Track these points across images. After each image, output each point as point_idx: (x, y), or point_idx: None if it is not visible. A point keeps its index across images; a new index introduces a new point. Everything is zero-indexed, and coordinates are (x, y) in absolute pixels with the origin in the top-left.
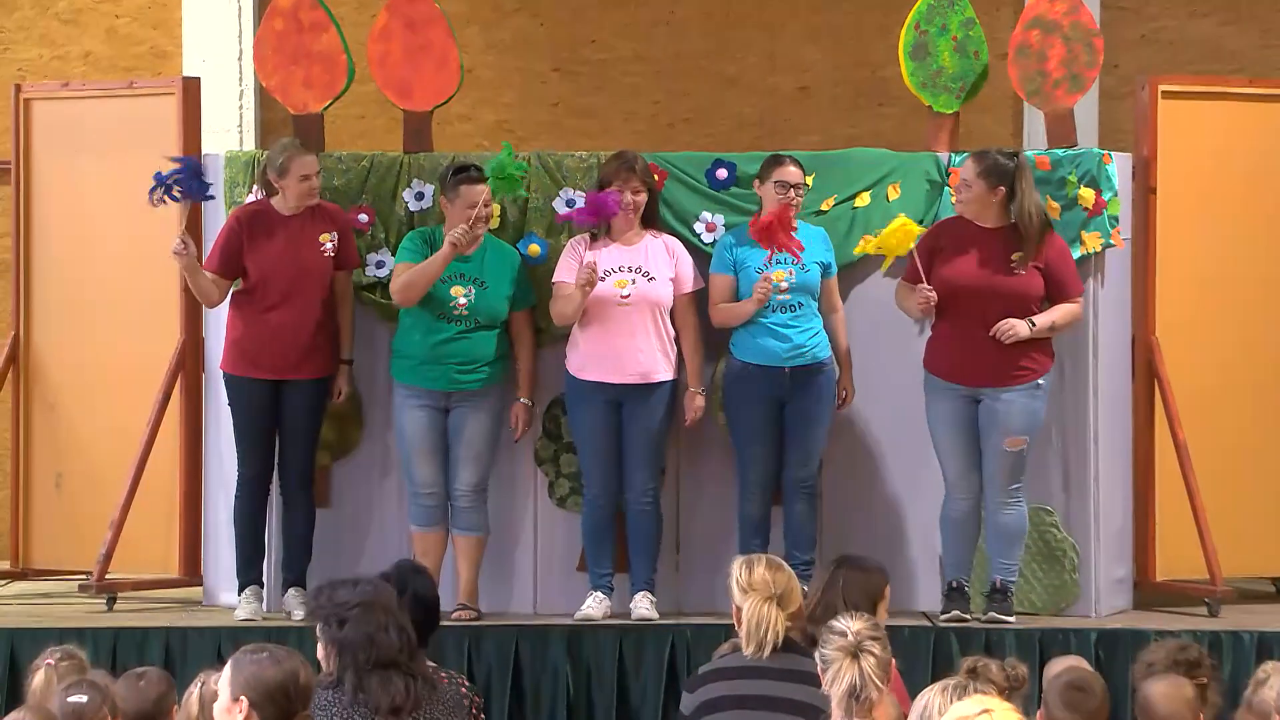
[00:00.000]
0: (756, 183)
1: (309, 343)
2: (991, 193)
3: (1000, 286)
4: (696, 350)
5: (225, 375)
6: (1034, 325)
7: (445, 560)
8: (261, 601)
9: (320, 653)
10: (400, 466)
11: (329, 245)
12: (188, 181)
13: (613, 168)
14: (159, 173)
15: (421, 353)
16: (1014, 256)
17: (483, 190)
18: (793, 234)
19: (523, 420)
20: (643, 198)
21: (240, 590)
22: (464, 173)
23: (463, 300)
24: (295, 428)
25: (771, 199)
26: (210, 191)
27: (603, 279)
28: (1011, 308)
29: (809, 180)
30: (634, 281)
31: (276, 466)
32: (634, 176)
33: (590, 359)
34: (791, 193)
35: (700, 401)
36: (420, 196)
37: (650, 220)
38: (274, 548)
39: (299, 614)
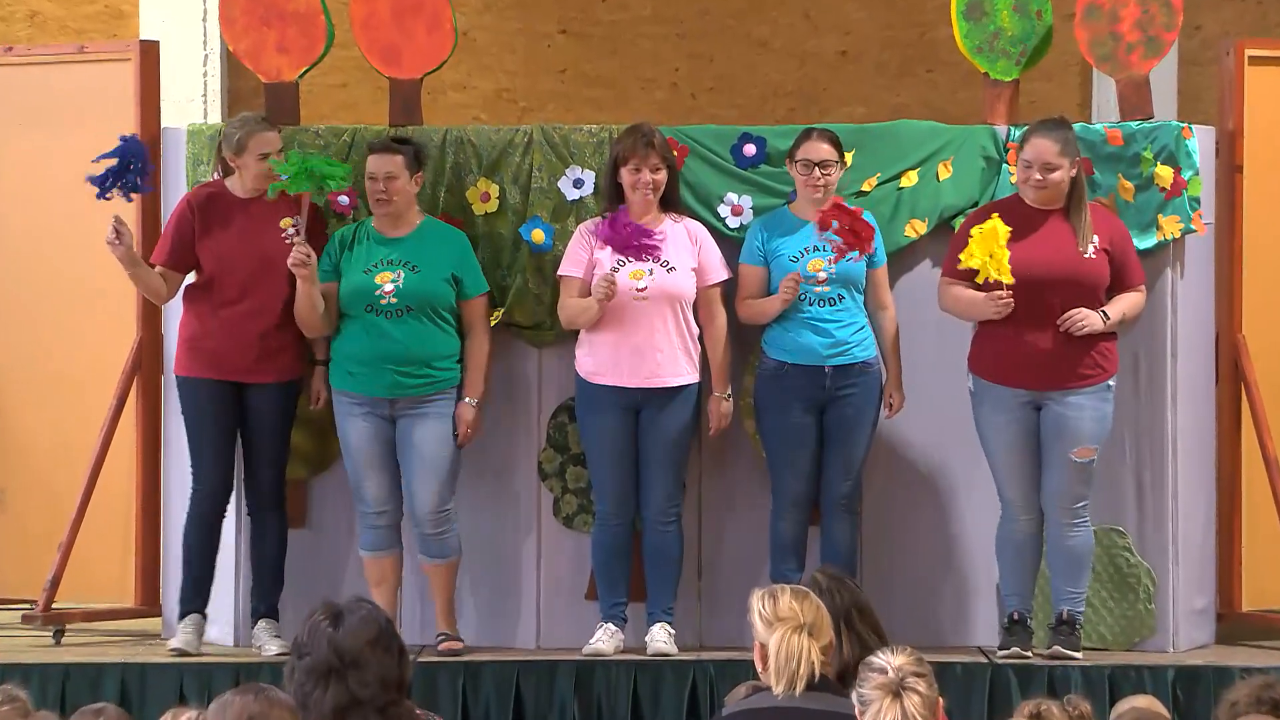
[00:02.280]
0: (788, 160)
1: (274, 340)
2: (1073, 169)
3: (1069, 274)
4: (722, 349)
5: (178, 378)
6: (1108, 318)
7: (409, 589)
8: (200, 634)
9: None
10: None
11: (291, 230)
12: (133, 171)
13: (627, 144)
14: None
15: (357, 352)
16: (1081, 245)
17: (387, 160)
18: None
19: (465, 423)
20: (661, 177)
21: (180, 617)
22: (380, 139)
23: (389, 287)
24: (261, 438)
25: (797, 182)
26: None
27: (616, 269)
28: (1081, 298)
29: (848, 157)
30: (651, 273)
31: (243, 483)
32: (652, 153)
33: (603, 361)
34: (816, 173)
35: (726, 408)
36: None
37: (670, 203)
38: (242, 575)
39: (271, 649)
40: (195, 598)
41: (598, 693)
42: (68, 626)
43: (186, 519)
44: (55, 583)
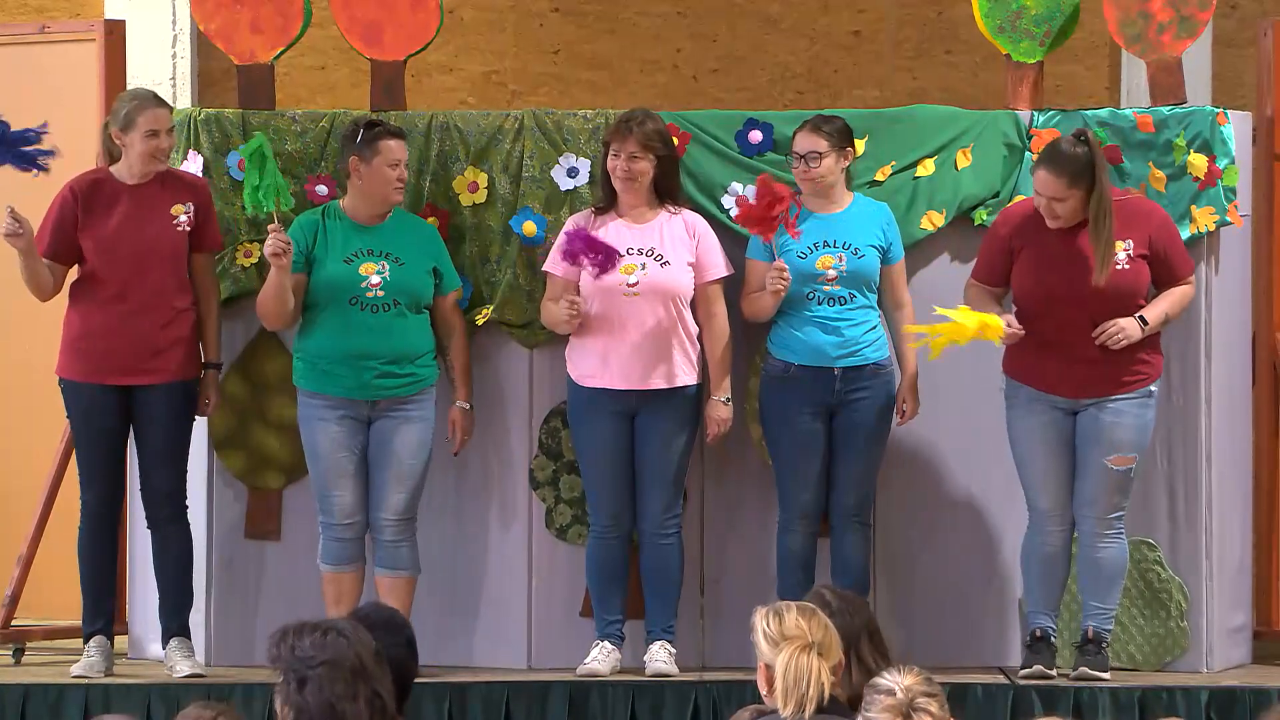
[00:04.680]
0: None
1: (163, 338)
2: (1087, 195)
3: (1095, 290)
4: (722, 350)
5: (62, 381)
6: (1146, 323)
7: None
8: (107, 657)
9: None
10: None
11: (183, 218)
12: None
13: (611, 129)
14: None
15: (333, 349)
16: (1097, 273)
17: (401, 148)
18: (781, 211)
19: (461, 428)
20: (640, 166)
21: (85, 640)
22: (380, 126)
23: (377, 279)
24: (153, 444)
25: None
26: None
27: None
28: (1117, 307)
29: (860, 144)
30: (644, 267)
31: (140, 493)
32: (629, 139)
33: (594, 363)
34: (801, 165)
35: (724, 413)
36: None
37: (668, 194)
38: (214, 590)
39: (183, 669)
40: (97, 618)
41: (593, 715)
42: (28, 645)
43: (79, 536)
44: (15, 599)
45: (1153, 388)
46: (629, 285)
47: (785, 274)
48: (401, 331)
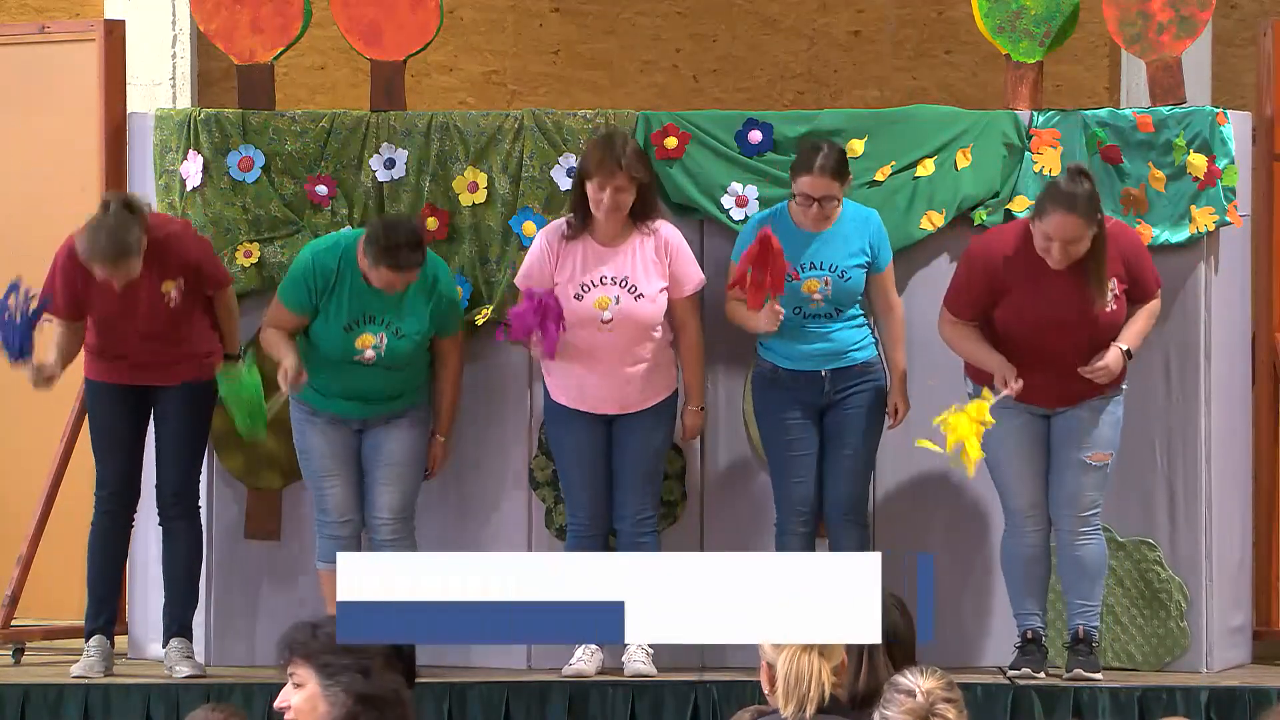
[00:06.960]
0: (792, 173)
1: (182, 346)
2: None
3: (1090, 319)
4: (697, 361)
5: (87, 382)
6: (1130, 354)
7: None
8: (106, 657)
9: (286, 702)
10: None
11: (174, 293)
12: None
13: (594, 159)
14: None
15: (327, 388)
16: (1098, 303)
17: (405, 278)
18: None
19: (437, 460)
20: (626, 198)
21: (87, 638)
22: (395, 252)
23: (370, 353)
24: (171, 443)
25: (794, 208)
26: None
27: (578, 298)
28: (1096, 344)
29: (860, 144)
30: (617, 300)
31: (155, 490)
32: (619, 173)
33: (569, 391)
34: (815, 209)
35: (698, 420)
36: (391, 164)
37: (643, 214)
38: (213, 590)
39: (183, 670)
40: (99, 616)
41: (592, 715)
42: (28, 645)
43: (91, 531)
44: (14, 599)
45: (1124, 385)
46: (603, 321)
47: (781, 315)
48: (394, 381)
